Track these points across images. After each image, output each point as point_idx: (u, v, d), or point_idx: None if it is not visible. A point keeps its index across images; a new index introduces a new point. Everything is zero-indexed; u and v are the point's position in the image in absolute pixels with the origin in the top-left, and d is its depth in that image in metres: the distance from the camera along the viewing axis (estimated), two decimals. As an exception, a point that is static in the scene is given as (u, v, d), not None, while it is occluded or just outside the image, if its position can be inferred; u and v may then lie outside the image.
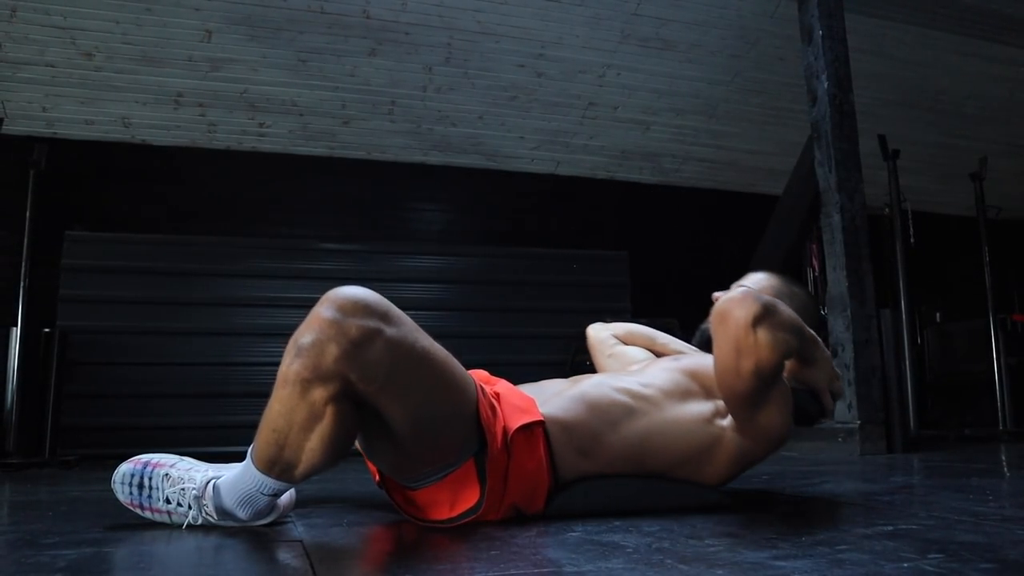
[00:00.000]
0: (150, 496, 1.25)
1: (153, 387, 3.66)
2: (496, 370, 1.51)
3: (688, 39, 4.49)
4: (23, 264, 3.23)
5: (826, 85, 3.14)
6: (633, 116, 4.86)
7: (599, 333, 1.87)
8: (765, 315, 1.18)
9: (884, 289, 3.77)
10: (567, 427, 1.31)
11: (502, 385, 1.39)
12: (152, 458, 1.29)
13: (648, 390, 1.39)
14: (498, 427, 1.23)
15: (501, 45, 4.31)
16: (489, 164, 4.92)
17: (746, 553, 0.97)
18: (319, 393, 1.06)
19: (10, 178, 3.84)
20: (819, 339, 1.36)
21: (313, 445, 1.09)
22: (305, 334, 1.06)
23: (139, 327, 3.69)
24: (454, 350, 1.22)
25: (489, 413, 1.22)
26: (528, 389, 1.43)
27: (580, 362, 4.00)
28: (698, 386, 1.41)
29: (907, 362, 3.28)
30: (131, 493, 1.27)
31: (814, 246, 3.83)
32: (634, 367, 1.59)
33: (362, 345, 1.05)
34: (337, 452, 1.12)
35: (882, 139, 3.82)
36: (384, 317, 1.09)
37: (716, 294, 1.36)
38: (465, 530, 1.21)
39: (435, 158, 4.82)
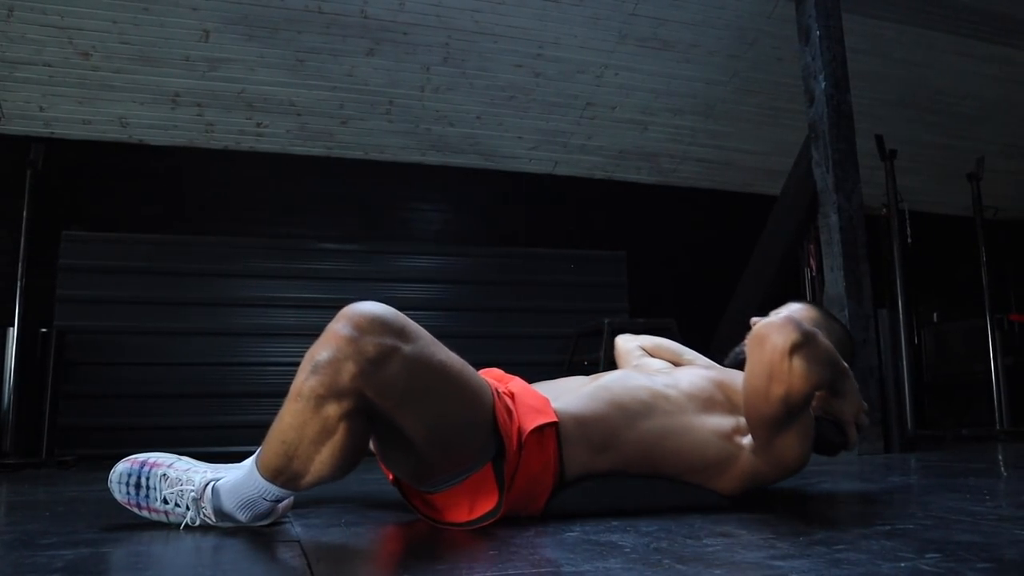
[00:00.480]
0: (147, 496, 1.25)
1: (151, 387, 3.65)
2: (494, 370, 1.51)
3: (686, 39, 4.49)
4: (20, 264, 3.23)
5: (823, 85, 3.14)
6: (631, 116, 4.86)
7: (627, 343, 1.86)
8: (803, 344, 1.17)
9: (881, 289, 3.78)
10: (582, 422, 1.31)
11: (516, 384, 1.39)
12: (149, 457, 1.29)
13: (672, 391, 1.39)
14: (513, 429, 1.23)
15: (499, 45, 4.31)
16: (487, 164, 4.92)
17: (744, 553, 0.97)
18: (333, 409, 1.05)
19: (7, 178, 3.84)
20: (850, 371, 1.36)
21: (323, 458, 1.09)
22: (322, 351, 1.05)
23: (137, 327, 3.69)
24: (452, 350, 1.22)
25: (505, 417, 1.22)
26: (544, 387, 1.43)
27: (578, 362, 4.00)
28: (724, 398, 1.41)
29: (904, 362, 3.28)
30: (128, 493, 1.26)
31: (812, 246, 3.84)
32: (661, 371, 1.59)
33: (379, 363, 1.05)
34: (347, 466, 1.12)
35: (879, 139, 3.82)
36: (401, 334, 1.09)
37: (755, 319, 1.35)
38: (464, 530, 1.21)
39: (433, 158, 4.82)
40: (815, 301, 3.23)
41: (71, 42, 3.84)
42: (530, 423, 1.24)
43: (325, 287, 3.94)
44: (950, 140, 5.41)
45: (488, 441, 1.20)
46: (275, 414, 1.13)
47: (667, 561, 0.92)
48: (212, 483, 1.21)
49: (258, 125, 4.40)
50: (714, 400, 1.40)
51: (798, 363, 1.16)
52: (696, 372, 1.48)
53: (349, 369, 1.03)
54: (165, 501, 1.24)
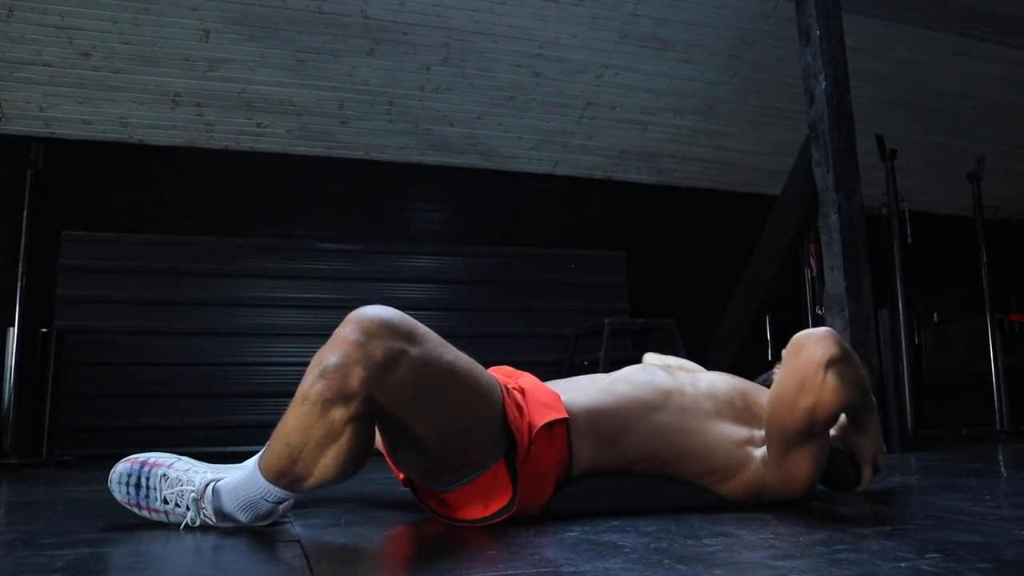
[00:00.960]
0: (147, 496, 1.25)
1: (151, 387, 3.65)
2: (494, 370, 1.51)
3: (686, 39, 4.49)
4: (20, 264, 3.23)
5: (824, 85, 3.14)
6: (631, 116, 4.86)
7: (653, 361, 1.87)
8: (840, 360, 1.17)
9: (882, 289, 3.77)
10: (594, 415, 1.31)
11: (527, 379, 1.39)
12: (149, 457, 1.29)
13: (689, 388, 1.40)
14: (524, 425, 1.23)
15: (499, 45, 4.31)
16: (487, 164, 4.91)
17: (744, 553, 0.97)
18: (339, 413, 1.05)
19: (7, 178, 3.84)
20: (876, 409, 1.36)
21: (328, 462, 1.09)
22: (330, 355, 1.05)
23: (137, 327, 3.69)
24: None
25: (516, 413, 1.23)
26: (559, 384, 1.43)
27: (578, 362, 4.00)
28: (744, 407, 1.41)
29: (905, 362, 3.28)
30: (128, 492, 1.26)
31: (812, 246, 3.84)
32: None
33: (388, 367, 1.05)
34: (351, 469, 1.12)
35: (880, 139, 3.82)
36: (408, 337, 1.09)
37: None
38: (463, 530, 1.21)
39: (433, 158, 4.82)
40: (815, 301, 3.23)
41: (71, 42, 3.84)
42: (540, 419, 1.25)
43: (325, 287, 3.94)
44: (950, 140, 5.41)
45: (499, 438, 1.21)
46: (275, 414, 1.13)
47: (667, 561, 0.92)
48: (212, 483, 1.21)
49: (258, 125, 4.40)
50: (733, 406, 1.40)
51: (832, 378, 1.16)
52: (720, 376, 1.49)
53: (358, 373, 1.03)
54: (165, 501, 1.24)
